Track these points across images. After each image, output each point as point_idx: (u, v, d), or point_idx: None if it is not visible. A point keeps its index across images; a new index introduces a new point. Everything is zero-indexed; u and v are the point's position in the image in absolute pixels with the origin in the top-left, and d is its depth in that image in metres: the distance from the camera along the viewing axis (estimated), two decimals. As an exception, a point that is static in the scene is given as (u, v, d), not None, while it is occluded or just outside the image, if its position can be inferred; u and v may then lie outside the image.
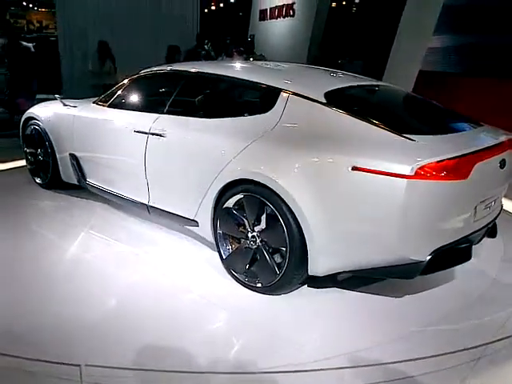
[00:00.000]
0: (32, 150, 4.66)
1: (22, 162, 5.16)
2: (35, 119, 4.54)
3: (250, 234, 2.85)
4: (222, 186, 2.90)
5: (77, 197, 4.45)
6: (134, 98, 3.97)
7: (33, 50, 9.12)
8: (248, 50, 8.45)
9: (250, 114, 3.02)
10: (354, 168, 2.41)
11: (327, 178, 2.51)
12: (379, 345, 2.40)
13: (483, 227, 2.77)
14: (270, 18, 11.37)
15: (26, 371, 2.17)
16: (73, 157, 4.18)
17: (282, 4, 10.80)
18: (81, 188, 4.37)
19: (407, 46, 7.24)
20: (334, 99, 2.81)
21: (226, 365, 2.27)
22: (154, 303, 2.77)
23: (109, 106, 3.94)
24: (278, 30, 11.05)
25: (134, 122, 3.55)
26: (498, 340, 2.46)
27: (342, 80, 3.38)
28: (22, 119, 4.77)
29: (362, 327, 2.58)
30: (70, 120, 4.17)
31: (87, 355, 2.26)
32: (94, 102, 4.17)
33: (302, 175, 2.56)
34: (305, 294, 2.88)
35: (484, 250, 3.36)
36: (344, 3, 13.46)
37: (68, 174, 4.34)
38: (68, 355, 2.24)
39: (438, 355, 2.32)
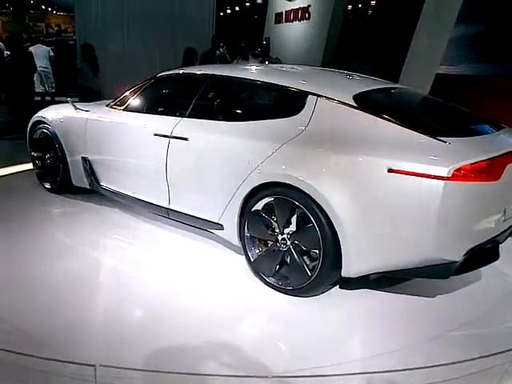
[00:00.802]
0: (40, 154, 4.82)
1: (24, 166, 5.38)
2: (44, 123, 4.69)
3: (279, 237, 3.01)
4: (250, 189, 3.07)
5: (88, 201, 4.61)
6: (153, 101, 4.15)
7: (52, 53, 9.54)
8: (264, 53, 8.69)
9: (278, 117, 3.19)
10: (390, 170, 2.58)
11: (362, 180, 2.69)
12: (407, 348, 2.54)
13: (510, 227, 2.95)
14: (286, 21, 11.65)
15: (40, 370, 2.30)
16: (85, 160, 4.34)
17: (297, 7, 11.08)
18: (91, 192, 4.54)
19: (427, 41, 7.34)
20: (363, 102, 3.00)
21: (255, 368, 2.38)
22: (175, 305, 2.91)
23: (124, 110, 4.11)
24: (293, 33, 11.32)
25: (154, 125, 3.73)
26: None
27: (366, 83, 3.59)
28: (30, 123, 4.92)
29: (392, 329, 2.73)
30: (83, 123, 4.33)
31: (100, 357, 2.38)
32: (107, 106, 4.33)
33: (335, 177, 2.74)
34: (336, 296, 3.03)
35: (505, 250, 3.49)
36: (360, 6, 13.78)
37: (79, 178, 4.49)
38: (81, 356, 2.37)
39: (467, 360, 2.43)
